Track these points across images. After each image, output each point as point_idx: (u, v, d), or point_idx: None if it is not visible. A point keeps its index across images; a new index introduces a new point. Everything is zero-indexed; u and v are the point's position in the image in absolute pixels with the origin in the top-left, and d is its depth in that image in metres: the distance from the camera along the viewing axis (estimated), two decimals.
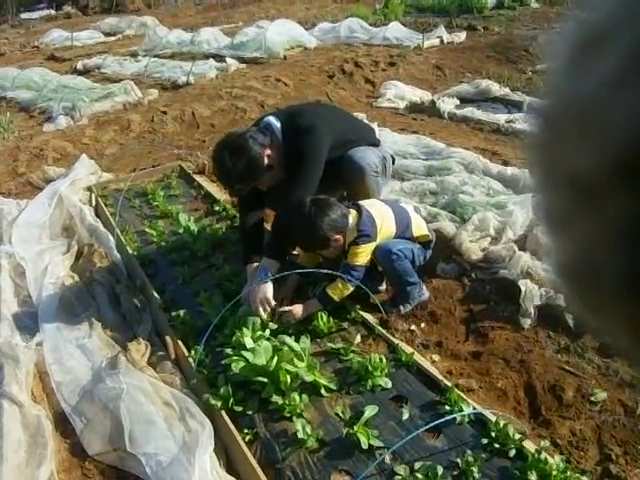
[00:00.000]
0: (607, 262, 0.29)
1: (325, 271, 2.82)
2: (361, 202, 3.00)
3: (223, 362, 2.53)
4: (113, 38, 14.48)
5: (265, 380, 2.40)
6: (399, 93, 6.98)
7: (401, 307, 2.98)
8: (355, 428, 2.16)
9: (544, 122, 0.33)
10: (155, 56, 10.39)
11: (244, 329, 2.63)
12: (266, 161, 3.05)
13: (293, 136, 3.12)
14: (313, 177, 3.05)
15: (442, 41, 9.74)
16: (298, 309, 2.81)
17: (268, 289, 2.86)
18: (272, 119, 3.22)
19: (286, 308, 2.82)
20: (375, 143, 3.45)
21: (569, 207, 0.31)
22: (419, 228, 3.05)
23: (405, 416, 2.27)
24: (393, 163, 3.61)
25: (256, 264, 3.04)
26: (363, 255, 2.84)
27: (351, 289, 2.83)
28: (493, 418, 2.18)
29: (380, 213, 2.95)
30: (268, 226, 3.31)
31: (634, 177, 0.26)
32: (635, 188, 0.27)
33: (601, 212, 0.29)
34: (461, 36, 9.99)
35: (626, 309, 0.30)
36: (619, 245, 0.28)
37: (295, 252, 3.27)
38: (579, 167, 0.29)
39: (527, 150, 0.34)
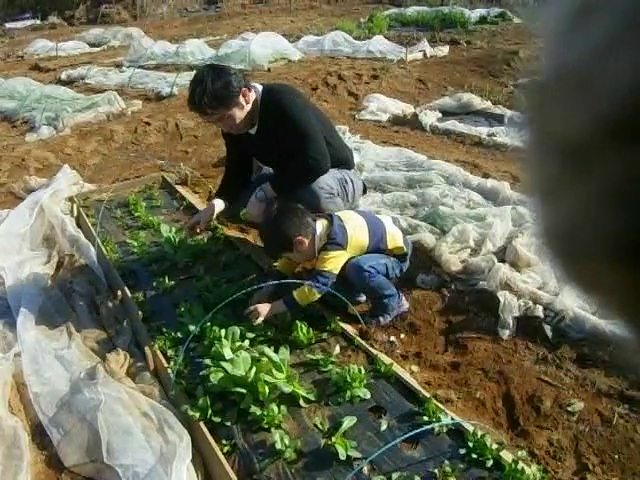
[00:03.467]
0: (603, 228, 0.29)
1: (289, 281, 2.83)
2: (335, 213, 3.01)
3: (202, 373, 2.52)
4: (98, 49, 14.46)
5: (244, 391, 2.39)
6: (382, 106, 7.03)
7: (380, 318, 2.99)
8: (333, 439, 2.15)
9: (536, 86, 0.32)
10: (139, 67, 10.38)
11: (223, 340, 2.62)
12: (241, 98, 3.11)
13: (271, 96, 3.22)
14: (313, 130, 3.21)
15: (425, 55, 9.83)
16: (263, 308, 2.79)
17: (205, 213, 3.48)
18: (253, 82, 3.30)
19: (252, 307, 2.82)
20: (346, 162, 3.49)
21: (561, 172, 0.31)
22: (394, 240, 3.02)
23: (383, 427, 2.27)
24: (364, 192, 3.69)
25: (215, 201, 3.47)
26: (331, 262, 2.83)
27: (317, 295, 2.80)
28: (471, 428, 2.19)
29: (353, 223, 2.95)
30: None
31: (628, 135, 0.26)
32: (629, 147, 0.26)
33: (595, 175, 0.28)
34: (444, 50, 10.11)
35: (623, 277, 0.29)
36: (613, 209, 0.28)
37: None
38: (572, 129, 0.29)
39: (520, 116, 0.33)
